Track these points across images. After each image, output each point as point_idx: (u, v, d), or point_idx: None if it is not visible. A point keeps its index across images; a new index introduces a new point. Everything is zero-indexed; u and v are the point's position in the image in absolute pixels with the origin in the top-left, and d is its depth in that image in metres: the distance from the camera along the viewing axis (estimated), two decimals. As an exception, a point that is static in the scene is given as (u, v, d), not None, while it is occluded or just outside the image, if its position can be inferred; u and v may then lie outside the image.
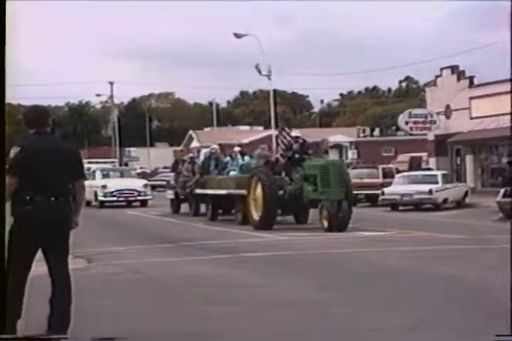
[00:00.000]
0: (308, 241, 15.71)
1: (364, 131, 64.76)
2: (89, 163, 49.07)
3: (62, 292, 6.14)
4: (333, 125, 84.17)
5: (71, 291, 6.19)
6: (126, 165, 64.35)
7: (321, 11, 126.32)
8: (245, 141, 63.09)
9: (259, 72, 41.23)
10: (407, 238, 15.82)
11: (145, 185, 31.62)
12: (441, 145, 39.87)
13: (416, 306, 7.82)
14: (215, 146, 25.18)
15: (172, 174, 28.34)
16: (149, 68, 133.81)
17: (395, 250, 13.35)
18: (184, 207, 25.08)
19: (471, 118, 38.12)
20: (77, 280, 6.62)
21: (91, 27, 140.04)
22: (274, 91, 45.41)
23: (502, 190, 22.47)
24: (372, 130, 64.51)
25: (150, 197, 31.26)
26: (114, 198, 30.50)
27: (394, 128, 58.10)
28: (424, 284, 9.39)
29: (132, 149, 77.67)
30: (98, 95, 73.49)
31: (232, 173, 22.25)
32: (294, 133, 21.03)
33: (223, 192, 20.99)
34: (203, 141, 72.40)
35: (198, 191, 23.07)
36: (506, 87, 36.15)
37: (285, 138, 20.65)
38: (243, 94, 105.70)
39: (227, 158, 23.70)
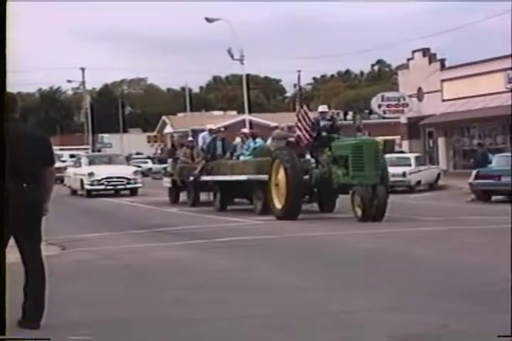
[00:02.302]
0: (284, 224, 15.64)
1: (338, 114, 64.87)
2: (62, 149, 48.73)
3: (36, 279, 6.12)
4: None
5: (45, 279, 6.17)
6: (99, 151, 63.96)
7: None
8: (219, 125, 62.96)
9: (232, 56, 41.09)
10: (383, 220, 15.63)
11: (135, 172, 29.62)
12: (414, 128, 40.08)
13: (390, 288, 7.88)
14: (212, 127, 22.86)
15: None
16: (121, 54, 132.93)
17: (371, 232, 13.38)
18: (183, 196, 23.13)
19: (443, 101, 38.34)
20: (50, 267, 6.59)
21: (61, 12, 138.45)
22: (247, 75, 45.34)
23: (474, 172, 22.68)
24: (345, 114, 64.67)
25: (140, 185, 29.25)
26: (102, 186, 28.56)
27: (367, 111, 58.31)
28: (399, 266, 9.45)
29: (105, 135, 77.30)
30: (69, 81, 73.00)
31: (242, 158, 19.93)
32: (321, 108, 18.35)
33: (241, 177, 18.46)
34: (177, 127, 72.23)
35: (206, 178, 20.61)
36: (477, 69, 36.42)
37: (306, 114, 17.62)
38: (216, 79, 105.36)
39: (237, 140, 21.46)
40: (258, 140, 20.52)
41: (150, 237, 13.84)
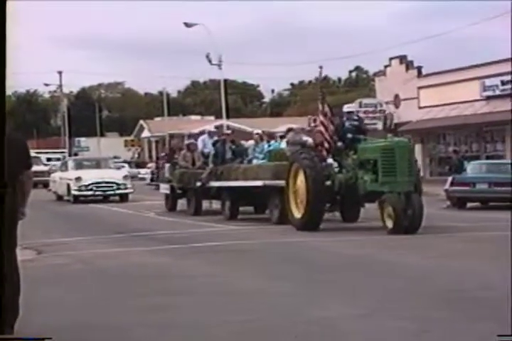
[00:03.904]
0: (262, 230, 15.61)
1: (315, 120, 65.00)
2: (38, 153, 48.39)
3: (11, 285, 6.06)
4: (284, 114, 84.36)
5: (20, 284, 6.12)
6: (76, 155, 63.58)
7: (273, 0, 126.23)
8: (196, 130, 62.94)
9: (210, 61, 41.13)
10: (361, 227, 15.48)
11: (125, 177, 28.07)
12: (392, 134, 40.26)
13: (369, 294, 7.90)
14: (212, 129, 21.08)
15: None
16: (98, 58, 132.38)
17: (350, 239, 13.36)
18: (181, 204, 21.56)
19: (420, 108, 38.61)
20: (25, 271, 6.54)
21: (39, 15, 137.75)
22: (225, 80, 45.37)
23: (449, 179, 22.83)
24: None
25: (131, 190, 27.76)
26: (90, 192, 27.11)
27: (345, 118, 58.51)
28: (378, 272, 9.48)
29: (82, 139, 76.85)
30: (47, 85, 72.62)
31: (255, 161, 18.40)
32: (346, 108, 16.78)
33: (256, 183, 16.89)
34: (154, 131, 72.04)
35: (215, 184, 18.81)
36: (453, 77, 36.73)
37: (328, 114, 15.85)
38: (194, 83, 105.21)
39: (249, 143, 19.76)
40: (273, 142, 19.10)
41: (128, 241, 13.78)
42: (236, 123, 54.70)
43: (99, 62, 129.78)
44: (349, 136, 15.39)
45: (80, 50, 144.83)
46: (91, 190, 27.07)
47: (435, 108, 37.33)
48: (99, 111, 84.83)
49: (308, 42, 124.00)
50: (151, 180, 37.87)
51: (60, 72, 66.46)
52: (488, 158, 33.41)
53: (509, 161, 25.54)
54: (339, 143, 15.38)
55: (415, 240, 13.05)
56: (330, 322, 6.49)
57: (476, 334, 5.97)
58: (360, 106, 40.03)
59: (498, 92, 34.31)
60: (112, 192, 27.50)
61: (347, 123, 15.74)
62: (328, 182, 14.91)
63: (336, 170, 15.33)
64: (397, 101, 40.19)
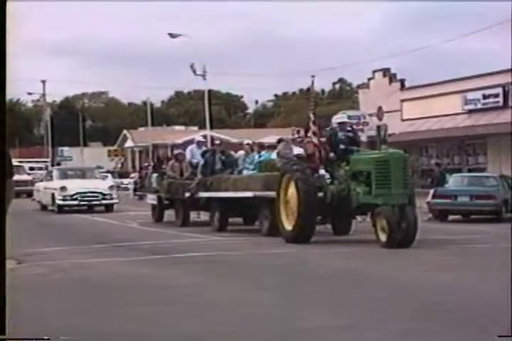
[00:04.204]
0: (250, 241, 15.48)
1: (299, 131, 65.15)
2: (21, 162, 48.16)
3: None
4: (268, 126, 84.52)
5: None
6: (59, 164, 63.38)
7: (257, 11, 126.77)
8: (179, 141, 62.94)
9: (194, 72, 41.19)
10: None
11: (111, 187, 27.68)
12: (374, 147, 40.44)
13: (351, 306, 7.92)
14: (201, 139, 20.97)
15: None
16: (82, 67, 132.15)
17: (332, 251, 13.33)
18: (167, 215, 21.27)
19: (403, 120, 38.84)
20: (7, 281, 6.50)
21: (22, 23, 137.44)
22: (209, 91, 45.41)
23: (431, 191, 22.94)
24: (306, 131, 64.96)
25: (116, 200, 27.41)
26: (75, 202, 26.66)
27: (328, 129, 58.65)
28: (365, 285, 9.49)
29: (65, 149, 76.60)
30: (30, 94, 72.46)
31: (245, 172, 18.10)
32: (340, 118, 16.37)
33: (246, 194, 16.70)
34: (138, 141, 71.95)
35: (204, 195, 18.50)
36: (436, 90, 37.00)
37: (318, 124, 15.66)
38: (178, 94, 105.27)
39: (239, 153, 19.48)
40: (263, 153, 18.63)
41: (109, 252, 13.74)
42: (220, 134, 54.76)
43: (83, 71, 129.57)
44: (342, 147, 15.10)
45: (64, 59, 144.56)
46: (76, 199, 26.72)
47: (418, 120, 37.56)
48: (82, 121, 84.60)
49: (292, 54, 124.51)
50: (135, 190, 37.74)
51: (43, 81, 66.33)
52: (470, 170, 33.63)
53: (491, 174, 25.73)
54: (331, 154, 15.12)
55: (405, 253, 12.93)
56: (313, 333, 6.50)
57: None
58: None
59: (479, 106, 34.62)
60: (97, 202, 27.15)
61: (340, 134, 15.40)
62: (320, 194, 14.62)
63: (328, 181, 15.06)
64: (380, 113, 40.40)
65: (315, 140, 15.54)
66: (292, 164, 15.23)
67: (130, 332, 6.65)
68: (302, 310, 7.68)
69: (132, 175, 50.31)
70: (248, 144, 18.84)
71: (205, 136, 21.66)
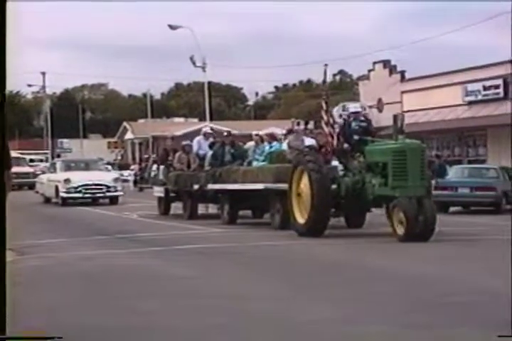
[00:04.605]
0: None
1: (299, 123, 65.15)
2: (21, 154, 48.14)
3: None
4: (268, 117, 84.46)
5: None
6: (59, 156, 63.37)
7: (257, 4, 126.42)
8: (179, 133, 62.90)
9: (194, 64, 41.14)
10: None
11: (115, 179, 27.35)
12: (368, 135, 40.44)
13: (350, 298, 7.92)
14: (208, 130, 20.43)
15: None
16: (82, 59, 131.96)
17: (327, 243, 13.28)
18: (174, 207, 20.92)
19: (403, 112, 38.75)
20: (7, 273, 6.50)
21: (22, 16, 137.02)
22: (209, 83, 45.38)
23: (432, 183, 22.95)
24: (306, 122, 64.96)
25: (121, 193, 27.09)
26: (79, 194, 26.32)
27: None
28: (360, 277, 9.48)
29: (65, 140, 76.59)
30: (30, 85, 72.32)
31: (255, 163, 17.53)
32: (353, 107, 15.88)
33: (257, 186, 16.18)
34: (137, 133, 71.92)
35: (214, 187, 17.92)
36: (436, 82, 36.94)
37: (331, 114, 15.10)
38: (178, 85, 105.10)
39: (249, 144, 18.82)
40: (275, 143, 17.76)
41: (110, 243, 13.74)
42: (220, 126, 54.72)
43: (82, 63, 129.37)
44: (355, 137, 14.67)
45: (63, 51, 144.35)
46: (80, 192, 26.33)
47: (418, 112, 37.50)
48: (82, 113, 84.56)
49: (292, 46, 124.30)
50: (135, 182, 37.70)
51: (43, 73, 66.27)
52: (470, 162, 33.62)
53: (491, 166, 25.73)
54: (345, 145, 14.71)
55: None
56: (314, 327, 6.50)
57: (459, 338, 5.99)
58: (344, 110, 40.09)
59: (480, 97, 34.56)
60: (101, 195, 26.78)
61: (353, 124, 14.96)
62: (334, 186, 14.26)
63: (342, 173, 14.68)
64: (380, 105, 40.33)
65: (327, 130, 15.10)
66: (305, 155, 14.77)
67: (130, 326, 6.64)
68: (307, 303, 7.68)
69: (132, 166, 50.31)
70: (257, 135, 18.25)
71: (213, 129, 21.09)
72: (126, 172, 49.68)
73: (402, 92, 39.14)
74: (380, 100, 40.31)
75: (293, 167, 14.81)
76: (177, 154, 20.29)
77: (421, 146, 14.40)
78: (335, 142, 14.86)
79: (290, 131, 17.74)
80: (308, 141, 16.59)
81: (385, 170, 13.73)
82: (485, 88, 34.16)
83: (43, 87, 68.81)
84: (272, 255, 11.91)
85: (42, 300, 7.96)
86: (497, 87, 33.68)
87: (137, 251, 12.53)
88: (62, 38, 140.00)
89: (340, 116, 15.45)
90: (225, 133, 19.42)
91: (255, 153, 17.78)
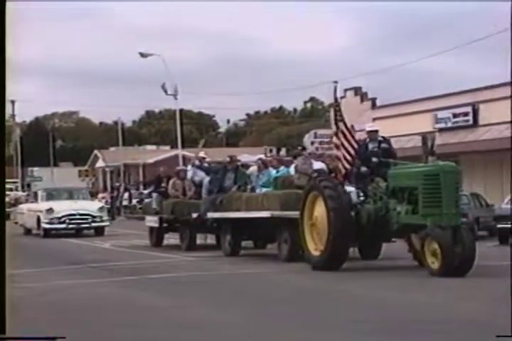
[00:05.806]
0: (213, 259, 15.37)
1: (271, 150, 65.45)
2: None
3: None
4: (240, 145, 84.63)
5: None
6: (29, 185, 62.83)
7: (228, 31, 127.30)
8: (151, 160, 62.73)
9: (165, 91, 41.14)
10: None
11: (101, 208, 26.07)
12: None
13: (323, 326, 7.85)
14: (203, 155, 19.39)
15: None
16: (52, 87, 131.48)
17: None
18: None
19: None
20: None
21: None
22: (180, 110, 45.40)
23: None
24: (278, 150, 65.26)
25: (107, 223, 25.79)
26: (63, 225, 24.79)
27: (300, 148, 58.84)
28: (332, 304, 9.43)
29: (35, 169, 75.94)
30: (-1, 114, 71.69)
31: (258, 190, 16.34)
32: (369, 127, 14.78)
33: (262, 214, 14.80)
34: (109, 161, 71.59)
35: (214, 215, 16.68)
36: (407, 109, 37.24)
37: (348, 134, 13.98)
38: (149, 113, 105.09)
39: (251, 170, 17.78)
40: (282, 168, 16.58)
41: (81, 273, 13.57)
42: (192, 153, 54.66)
43: (52, 91, 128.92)
44: (374, 159, 13.61)
45: (33, 79, 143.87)
46: (64, 222, 24.84)
47: (390, 139, 37.74)
48: (52, 141, 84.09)
49: (263, 73, 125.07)
50: (108, 211, 37.32)
51: (12, 101, 65.90)
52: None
53: (462, 193, 25.84)
54: (363, 168, 13.60)
55: (373, 271, 12.67)
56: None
57: None
58: (315, 137, 40.31)
59: (449, 125, 34.91)
60: (86, 225, 25.31)
61: (371, 145, 13.92)
62: (352, 214, 12.90)
63: (361, 199, 13.37)
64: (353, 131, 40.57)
65: (338, 153, 13.96)
66: (320, 180, 13.19)
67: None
68: (272, 329, 7.59)
69: (100, 195, 49.86)
70: (260, 159, 17.17)
71: (203, 157, 19.63)
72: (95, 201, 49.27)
73: (374, 119, 39.41)
74: (351, 127, 40.51)
75: (305, 193, 13.50)
76: (171, 181, 19.13)
77: (456, 169, 12.87)
78: (346, 165, 13.65)
79: (297, 155, 16.77)
80: (317, 165, 15.50)
81: (413, 195, 12.39)
82: (454, 115, 34.53)
83: (13, 116, 68.42)
84: (236, 283, 11.77)
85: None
86: (466, 114, 34.06)
87: (108, 280, 12.34)
88: (31, 66, 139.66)
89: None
90: (228, 159, 17.98)
91: (259, 179, 16.58)
